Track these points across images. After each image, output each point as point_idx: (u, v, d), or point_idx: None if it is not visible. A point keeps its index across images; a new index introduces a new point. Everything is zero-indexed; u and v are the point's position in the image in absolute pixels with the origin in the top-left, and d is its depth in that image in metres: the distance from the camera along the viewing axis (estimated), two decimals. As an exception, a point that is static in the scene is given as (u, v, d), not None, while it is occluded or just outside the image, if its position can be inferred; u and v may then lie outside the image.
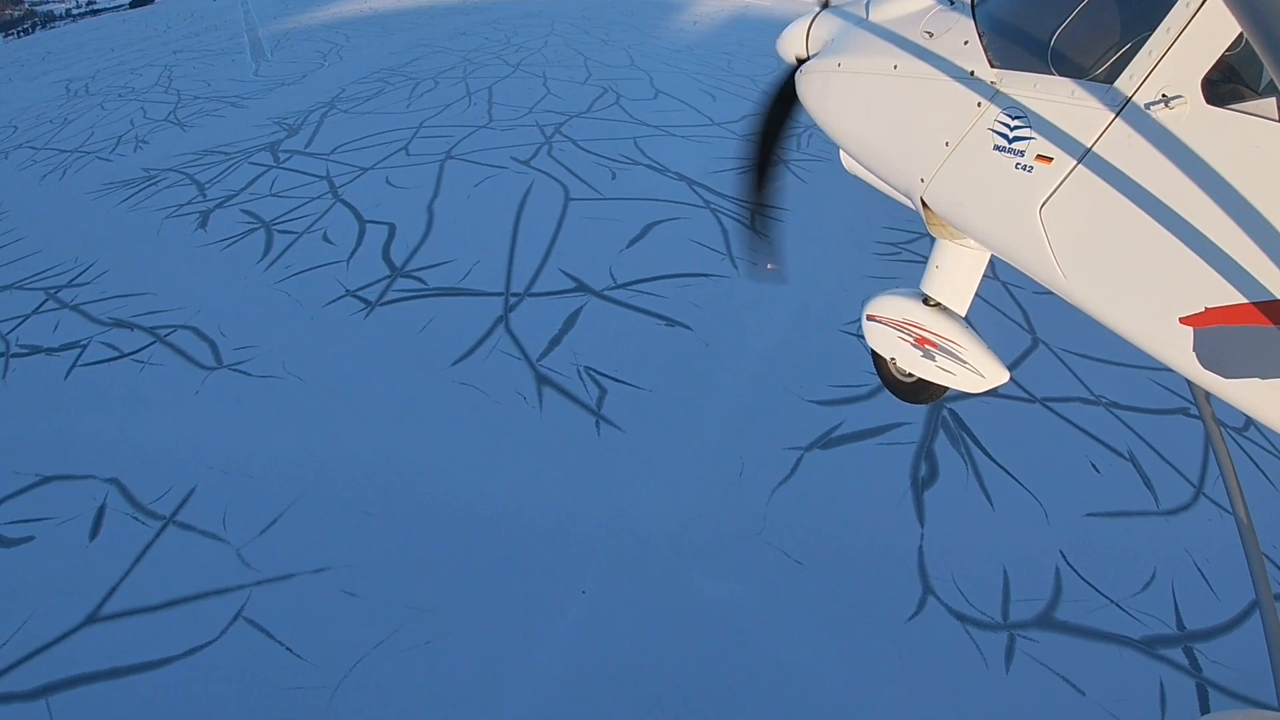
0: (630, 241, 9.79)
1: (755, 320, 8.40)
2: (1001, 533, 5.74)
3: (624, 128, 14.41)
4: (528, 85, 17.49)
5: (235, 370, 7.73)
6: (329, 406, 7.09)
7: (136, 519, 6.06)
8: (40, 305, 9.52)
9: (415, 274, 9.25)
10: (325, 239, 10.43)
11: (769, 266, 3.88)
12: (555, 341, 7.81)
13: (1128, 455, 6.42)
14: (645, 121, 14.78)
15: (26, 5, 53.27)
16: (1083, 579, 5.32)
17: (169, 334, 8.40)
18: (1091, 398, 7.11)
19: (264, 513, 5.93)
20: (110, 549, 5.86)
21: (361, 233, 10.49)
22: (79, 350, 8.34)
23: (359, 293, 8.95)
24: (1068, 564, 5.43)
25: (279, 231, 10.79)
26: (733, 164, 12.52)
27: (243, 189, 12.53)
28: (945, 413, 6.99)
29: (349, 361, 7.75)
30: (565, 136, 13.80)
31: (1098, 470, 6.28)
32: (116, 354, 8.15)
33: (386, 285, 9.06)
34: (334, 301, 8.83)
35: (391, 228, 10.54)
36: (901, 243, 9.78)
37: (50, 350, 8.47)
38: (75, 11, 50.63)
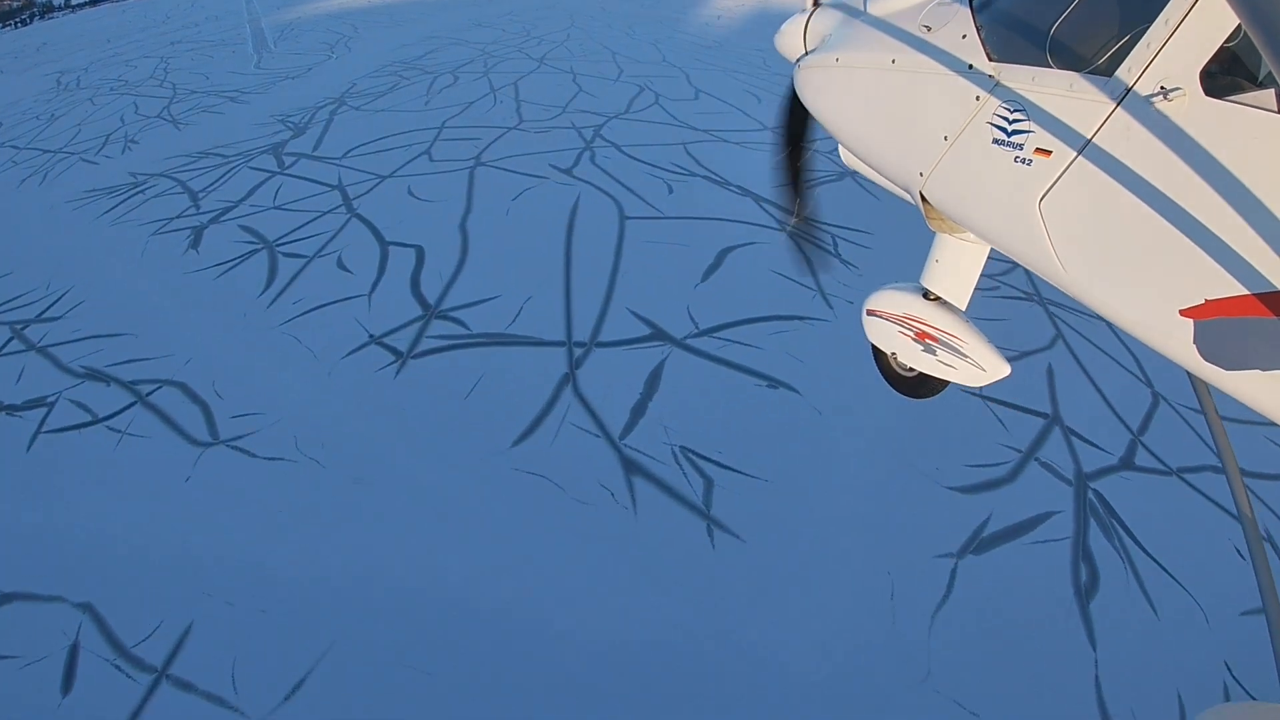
0: (705, 273, 8.26)
1: (867, 378, 6.85)
2: (1170, 646, 5.14)
3: (670, 131, 12.94)
4: (556, 81, 16.02)
5: (234, 448, 6.14)
6: (357, 506, 5.50)
7: (119, 668, 4.53)
8: (4, 345, 7.98)
9: (453, 314, 7.66)
10: (340, 265, 8.87)
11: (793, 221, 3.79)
12: (639, 411, 6.25)
13: (1265, 535, 5.74)
14: (692, 125, 13.32)
15: (25, -4, 51.45)
16: (1250, 695, 4.87)
17: (152, 392, 6.80)
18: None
19: (286, 668, 4.38)
20: (89, 712, 4.36)
21: (384, 257, 8.93)
22: (45, 410, 6.78)
23: (386, 339, 7.35)
24: (1233, 678, 4.89)
25: (284, 254, 9.23)
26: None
27: (242, 199, 10.99)
28: (1091, 495, 6.11)
29: (379, 438, 6.17)
30: (607, 140, 12.30)
31: (1242, 556, 5.61)
32: (90, 419, 6.56)
33: (419, 330, 7.45)
34: (355, 351, 7.24)
35: (419, 251, 8.98)
36: (997, 275, 8.55)
37: (12, 408, 6.92)
38: (74, 2, 49.05)
